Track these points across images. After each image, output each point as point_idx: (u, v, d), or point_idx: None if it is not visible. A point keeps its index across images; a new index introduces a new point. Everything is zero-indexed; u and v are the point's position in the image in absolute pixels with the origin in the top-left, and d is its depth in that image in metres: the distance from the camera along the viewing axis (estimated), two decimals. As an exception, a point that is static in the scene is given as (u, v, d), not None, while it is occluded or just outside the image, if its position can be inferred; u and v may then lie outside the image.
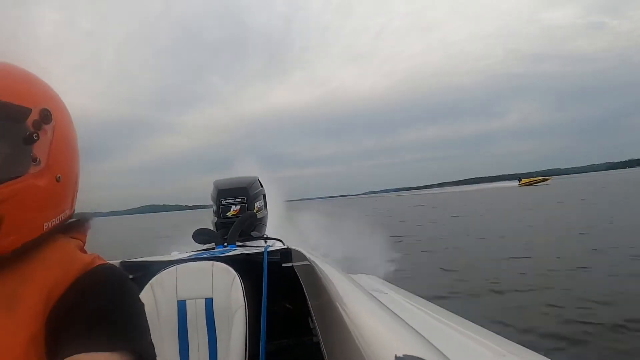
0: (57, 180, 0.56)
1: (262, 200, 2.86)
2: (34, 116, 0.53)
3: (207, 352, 1.35)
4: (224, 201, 2.65)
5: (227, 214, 2.62)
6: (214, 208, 2.69)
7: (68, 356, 0.46)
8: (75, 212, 0.64)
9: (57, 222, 0.57)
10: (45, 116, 0.54)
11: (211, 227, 2.60)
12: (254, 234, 2.56)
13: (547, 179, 75.59)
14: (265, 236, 2.60)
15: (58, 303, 0.51)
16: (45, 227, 0.54)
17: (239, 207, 2.63)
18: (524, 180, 75.27)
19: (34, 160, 0.52)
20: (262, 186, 2.90)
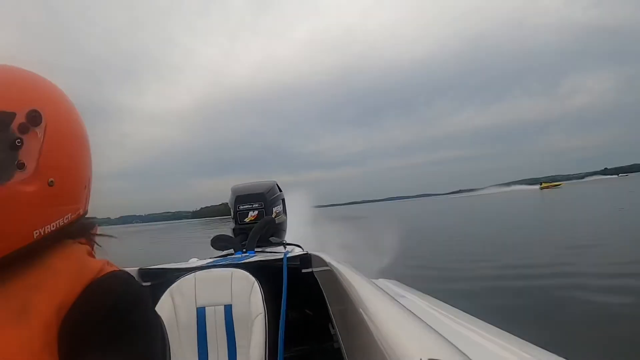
0: (50, 185, 0.52)
1: (281, 205, 2.85)
2: (19, 119, 0.49)
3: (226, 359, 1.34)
4: (242, 207, 2.65)
5: (245, 220, 2.62)
6: (232, 214, 2.70)
7: None
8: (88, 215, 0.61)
9: (54, 228, 0.53)
10: (33, 118, 0.50)
11: (229, 234, 2.61)
12: (272, 239, 2.55)
13: (560, 184, 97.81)
14: (284, 242, 2.59)
15: (69, 313, 0.49)
16: (35, 235, 0.50)
17: (256, 212, 2.62)
18: (544, 184, 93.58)
19: (20, 166, 0.49)
20: (280, 191, 2.88)
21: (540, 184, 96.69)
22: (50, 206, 0.53)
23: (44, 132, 0.52)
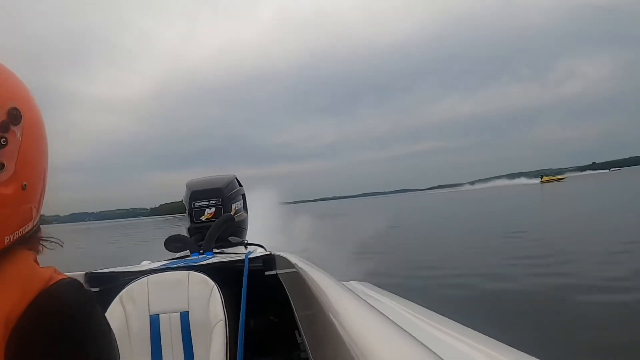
0: (23, 189, 0.48)
1: (241, 202, 2.72)
2: (0, 117, 0.45)
3: None
4: (197, 204, 2.50)
5: (201, 218, 2.47)
6: (187, 211, 2.54)
7: None
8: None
9: (20, 234, 0.50)
10: (14, 116, 0.46)
11: (185, 233, 2.47)
12: (232, 239, 2.44)
13: (563, 178, 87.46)
14: (245, 242, 2.49)
15: (18, 325, 0.45)
16: (6, 241, 0.47)
17: (213, 209, 2.48)
18: (544, 178, 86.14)
19: (0, 167, 0.45)
20: (240, 185, 2.75)
21: (541, 177, 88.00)
22: (21, 211, 0.50)
23: (22, 132, 0.48)
